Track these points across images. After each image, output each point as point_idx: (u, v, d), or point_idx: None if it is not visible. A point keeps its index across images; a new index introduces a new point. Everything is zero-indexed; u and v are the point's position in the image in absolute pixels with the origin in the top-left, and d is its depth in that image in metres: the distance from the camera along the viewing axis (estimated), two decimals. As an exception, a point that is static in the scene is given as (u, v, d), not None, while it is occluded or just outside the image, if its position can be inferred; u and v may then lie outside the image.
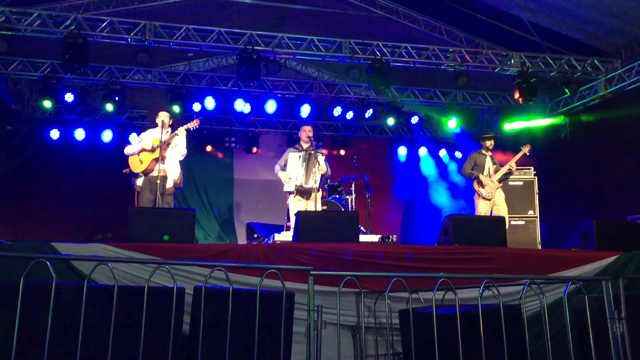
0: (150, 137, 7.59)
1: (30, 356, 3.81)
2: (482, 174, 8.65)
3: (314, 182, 7.94)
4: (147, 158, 7.46)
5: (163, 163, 7.38)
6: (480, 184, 8.61)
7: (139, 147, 7.52)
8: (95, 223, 12.13)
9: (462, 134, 13.31)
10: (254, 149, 13.43)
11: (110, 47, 10.12)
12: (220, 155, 13.50)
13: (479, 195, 8.62)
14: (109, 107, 11.27)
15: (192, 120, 7.61)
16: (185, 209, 8.12)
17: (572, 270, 5.81)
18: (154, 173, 7.34)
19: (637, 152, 9.88)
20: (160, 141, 7.34)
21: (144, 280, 3.90)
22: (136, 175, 7.58)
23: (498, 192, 8.65)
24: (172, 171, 7.52)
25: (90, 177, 12.08)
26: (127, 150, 7.63)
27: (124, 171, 7.74)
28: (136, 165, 7.49)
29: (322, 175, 8.20)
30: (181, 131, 7.46)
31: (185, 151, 7.65)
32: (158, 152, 7.31)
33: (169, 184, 7.45)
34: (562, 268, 5.83)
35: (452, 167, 13.70)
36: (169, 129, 7.62)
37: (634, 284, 5.52)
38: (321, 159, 8.13)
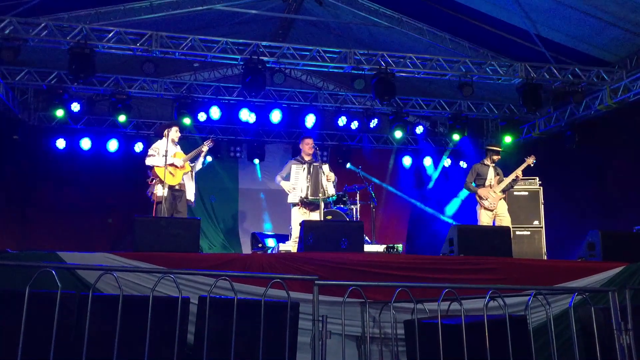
0: (164, 148, 7.69)
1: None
2: (485, 184, 8.61)
3: (331, 190, 8.15)
4: (179, 172, 7.88)
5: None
6: (483, 195, 8.56)
7: (163, 161, 7.60)
8: (100, 232, 12.15)
9: (467, 143, 13.31)
10: (257, 160, 13.37)
11: (116, 57, 10.20)
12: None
13: (481, 206, 8.58)
14: (122, 118, 11.37)
15: (208, 139, 8.33)
16: (191, 219, 8.14)
17: (578, 281, 5.79)
18: (177, 186, 7.85)
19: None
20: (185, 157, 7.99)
21: (149, 289, 3.91)
22: (153, 186, 7.79)
23: (501, 202, 8.59)
24: (189, 186, 8.05)
25: (96, 186, 12.12)
26: (152, 161, 7.80)
27: (148, 180, 7.94)
28: (167, 177, 7.62)
29: (332, 182, 8.31)
30: (205, 148, 8.11)
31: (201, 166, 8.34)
32: (187, 167, 8.01)
33: (189, 197, 8.02)
34: (568, 279, 5.81)
35: (457, 176, 13.67)
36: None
37: (641, 295, 5.48)
38: (325, 167, 8.19)
